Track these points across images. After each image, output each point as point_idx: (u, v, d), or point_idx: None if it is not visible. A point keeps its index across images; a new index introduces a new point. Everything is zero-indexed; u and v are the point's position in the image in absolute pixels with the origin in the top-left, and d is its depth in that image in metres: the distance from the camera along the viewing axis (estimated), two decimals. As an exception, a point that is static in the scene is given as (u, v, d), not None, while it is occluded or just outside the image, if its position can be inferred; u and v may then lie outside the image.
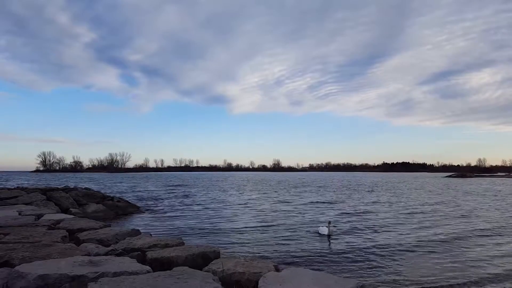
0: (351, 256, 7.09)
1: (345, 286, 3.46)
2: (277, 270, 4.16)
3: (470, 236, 9.30)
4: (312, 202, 19.15)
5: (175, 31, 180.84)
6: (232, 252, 7.31)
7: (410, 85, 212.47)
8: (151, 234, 6.67)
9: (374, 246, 7.91)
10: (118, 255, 4.56)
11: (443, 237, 9.15)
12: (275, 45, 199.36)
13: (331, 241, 8.48)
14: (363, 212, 14.23)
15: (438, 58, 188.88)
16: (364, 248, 7.77)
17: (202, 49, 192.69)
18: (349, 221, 11.75)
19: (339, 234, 9.31)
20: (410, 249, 7.73)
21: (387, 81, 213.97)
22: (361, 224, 11.09)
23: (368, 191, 28.67)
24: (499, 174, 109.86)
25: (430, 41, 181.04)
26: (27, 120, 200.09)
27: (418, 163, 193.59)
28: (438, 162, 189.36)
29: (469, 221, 11.97)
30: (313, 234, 9.36)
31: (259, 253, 7.24)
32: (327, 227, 9.16)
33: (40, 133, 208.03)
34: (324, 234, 9.08)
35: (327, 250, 7.60)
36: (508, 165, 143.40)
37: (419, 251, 7.51)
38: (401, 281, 5.50)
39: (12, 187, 15.79)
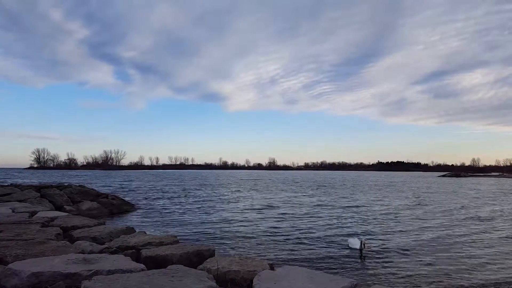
0: (353, 258, 7.07)
1: (339, 284, 3.49)
2: (272, 269, 4.17)
3: (478, 239, 9.29)
4: (316, 202, 19.01)
5: (169, 28, 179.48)
6: (227, 251, 7.30)
7: (403, 85, 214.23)
8: (145, 232, 6.65)
9: (383, 250, 7.86)
10: (112, 253, 4.54)
11: (451, 239, 9.15)
12: (269, 43, 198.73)
13: (364, 254, 7.49)
14: (372, 215, 13.95)
15: (431, 58, 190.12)
16: (371, 250, 7.69)
17: (196, 46, 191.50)
18: (359, 225, 11.43)
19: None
20: (417, 252, 7.66)
21: (381, 81, 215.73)
22: (372, 227, 10.82)
23: (370, 191, 28.52)
24: (493, 174, 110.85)
25: (422, 41, 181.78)
26: (20, 117, 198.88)
27: (412, 162, 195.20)
28: (432, 162, 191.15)
29: (481, 224, 11.90)
30: (337, 245, 8.41)
31: (255, 253, 7.17)
32: (359, 239, 8.00)
33: (34, 130, 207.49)
34: (355, 248, 7.86)
35: (327, 252, 7.51)
36: (502, 165, 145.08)
37: (426, 255, 7.43)
38: (402, 283, 5.51)
39: (6, 184, 15.62)
